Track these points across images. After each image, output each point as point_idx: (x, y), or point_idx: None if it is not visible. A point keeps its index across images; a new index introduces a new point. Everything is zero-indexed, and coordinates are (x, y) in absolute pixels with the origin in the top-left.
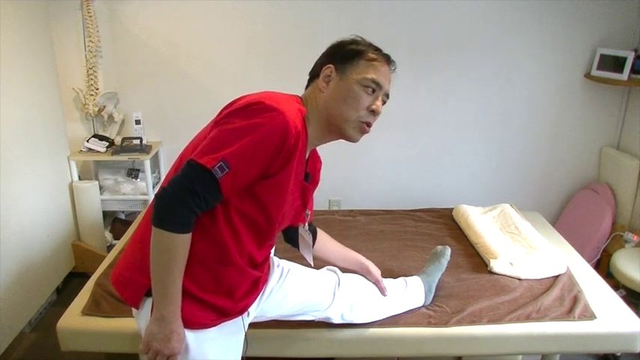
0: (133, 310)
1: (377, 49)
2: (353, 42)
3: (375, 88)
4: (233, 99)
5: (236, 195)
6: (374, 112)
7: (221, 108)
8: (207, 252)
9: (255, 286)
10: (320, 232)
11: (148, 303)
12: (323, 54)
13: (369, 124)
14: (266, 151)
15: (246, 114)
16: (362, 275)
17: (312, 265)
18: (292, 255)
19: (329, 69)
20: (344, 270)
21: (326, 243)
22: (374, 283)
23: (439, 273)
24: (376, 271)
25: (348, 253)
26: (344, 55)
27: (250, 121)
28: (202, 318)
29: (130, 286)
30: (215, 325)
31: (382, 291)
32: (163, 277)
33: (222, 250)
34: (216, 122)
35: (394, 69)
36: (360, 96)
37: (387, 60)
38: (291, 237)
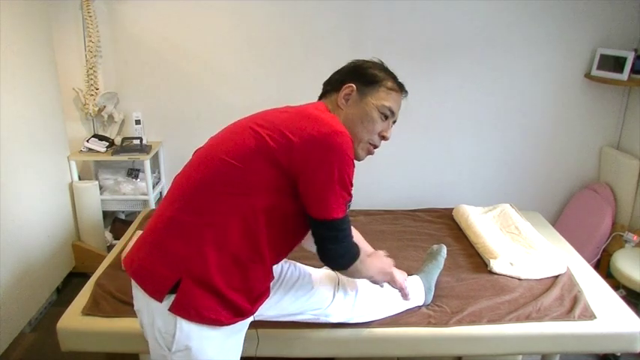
0: (139, 304)
1: (394, 78)
2: (374, 66)
3: (389, 115)
4: (262, 114)
5: (294, 203)
6: (384, 138)
7: (250, 116)
8: (242, 249)
9: (268, 290)
10: (354, 231)
11: (167, 299)
12: (343, 71)
13: (376, 147)
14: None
15: (332, 150)
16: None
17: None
18: (294, 255)
19: (350, 88)
20: None
21: (361, 245)
22: (397, 289)
23: (437, 270)
24: (400, 277)
25: None
26: (366, 78)
27: (340, 150)
28: (220, 315)
29: (154, 279)
30: (229, 324)
31: (405, 296)
32: (377, 273)
33: (257, 249)
34: (279, 148)
35: (405, 96)
36: (376, 121)
37: (402, 90)
38: None
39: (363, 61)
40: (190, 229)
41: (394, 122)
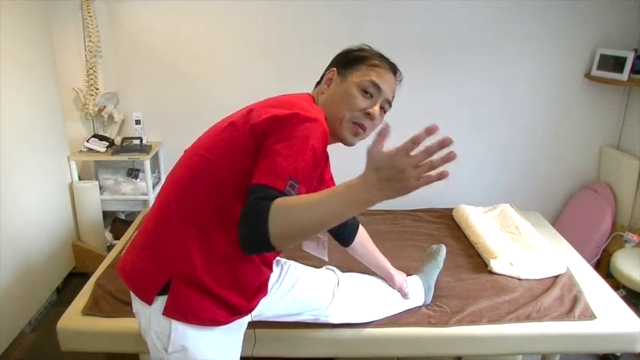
0: (137, 306)
1: (382, 57)
2: (359, 49)
3: (374, 92)
4: (246, 106)
5: None
6: (369, 115)
7: (233, 110)
8: (227, 248)
9: (264, 286)
10: (362, 230)
11: (160, 301)
12: (331, 61)
13: (362, 127)
14: (320, 159)
15: (291, 129)
16: (384, 281)
17: (327, 260)
18: (293, 254)
19: (332, 72)
20: (344, 269)
21: (366, 245)
22: (397, 290)
23: (437, 270)
24: (399, 278)
25: (381, 259)
26: (348, 60)
27: (299, 134)
28: (217, 315)
29: (144, 281)
30: (227, 323)
31: (404, 296)
32: (320, 224)
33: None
34: (250, 132)
35: (400, 80)
36: (356, 97)
37: (392, 68)
38: None
39: (350, 47)
40: (175, 228)
41: (389, 105)
